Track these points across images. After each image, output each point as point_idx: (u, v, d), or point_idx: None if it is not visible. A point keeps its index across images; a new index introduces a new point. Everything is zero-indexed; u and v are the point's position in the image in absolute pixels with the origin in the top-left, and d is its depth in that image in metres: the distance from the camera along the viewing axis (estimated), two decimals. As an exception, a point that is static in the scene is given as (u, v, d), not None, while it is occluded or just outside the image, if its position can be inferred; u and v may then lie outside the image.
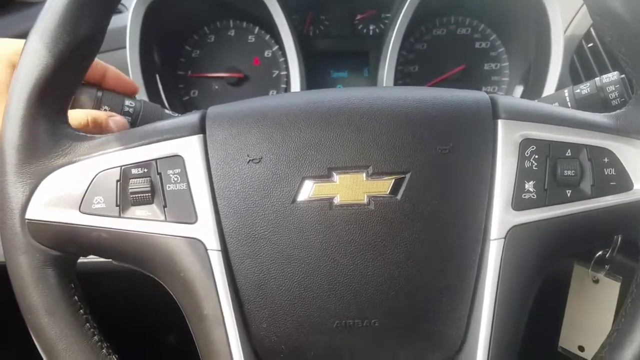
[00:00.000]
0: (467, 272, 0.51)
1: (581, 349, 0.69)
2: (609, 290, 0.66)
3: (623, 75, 0.65)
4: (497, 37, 0.98)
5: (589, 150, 0.51)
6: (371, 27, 1.02)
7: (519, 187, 0.50)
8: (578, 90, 0.66)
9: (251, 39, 1.00)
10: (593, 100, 0.65)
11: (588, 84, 0.66)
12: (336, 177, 0.50)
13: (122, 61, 0.89)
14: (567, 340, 0.70)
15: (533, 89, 0.90)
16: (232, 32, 1.01)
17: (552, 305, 0.71)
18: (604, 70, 0.84)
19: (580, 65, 0.90)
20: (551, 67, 0.85)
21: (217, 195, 0.51)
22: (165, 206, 0.51)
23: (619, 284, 0.65)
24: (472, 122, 0.51)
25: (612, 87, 0.64)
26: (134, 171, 0.51)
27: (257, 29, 1.00)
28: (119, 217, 0.51)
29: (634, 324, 0.51)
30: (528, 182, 0.50)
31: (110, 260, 0.56)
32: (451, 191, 0.50)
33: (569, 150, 0.51)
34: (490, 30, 0.99)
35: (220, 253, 0.50)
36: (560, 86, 0.85)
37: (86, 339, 0.52)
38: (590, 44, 0.90)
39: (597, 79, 0.66)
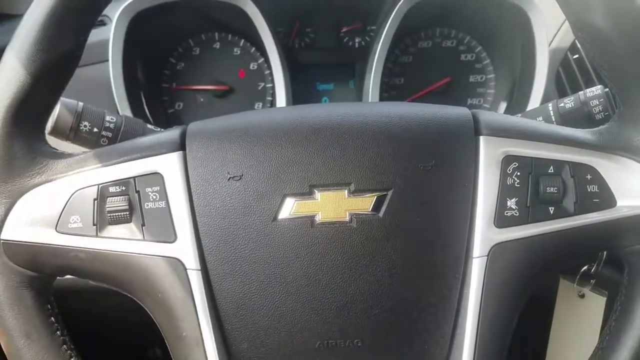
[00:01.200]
0: (450, 290, 0.50)
1: (568, 364, 0.69)
2: (595, 305, 0.65)
3: (607, 89, 0.65)
4: (482, 49, 0.98)
5: (572, 166, 0.51)
6: (357, 40, 1.01)
7: (501, 204, 0.50)
8: (562, 105, 0.66)
9: (236, 51, 1.00)
10: (577, 115, 0.65)
11: (572, 97, 0.66)
12: (318, 194, 0.49)
13: (104, 74, 0.88)
14: (554, 356, 0.70)
15: (518, 102, 0.90)
16: (217, 45, 1.00)
17: (539, 320, 0.70)
18: (589, 82, 0.84)
19: (566, 77, 0.90)
20: (536, 80, 0.85)
21: (196, 214, 0.50)
22: (143, 225, 0.50)
23: (605, 298, 0.65)
24: (454, 138, 0.51)
25: (595, 102, 0.64)
26: (111, 189, 0.50)
27: (242, 41, 0.99)
28: (96, 236, 0.50)
29: (618, 343, 0.50)
30: (510, 199, 0.50)
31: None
32: (433, 208, 0.50)
33: (551, 167, 0.51)
34: (475, 43, 0.98)
35: (199, 272, 0.50)
36: (546, 98, 0.85)
37: None
38: (576, 56, 0.90)
39: (580, 92, 0.66)
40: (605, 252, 0.64)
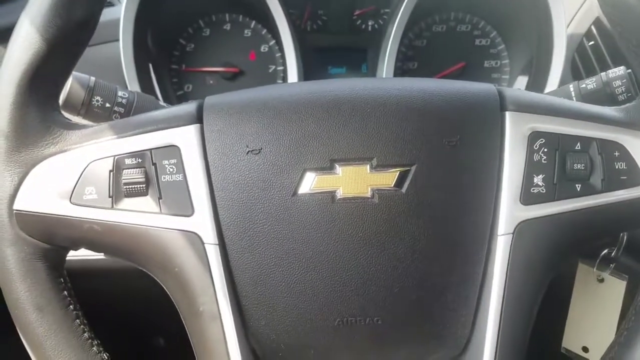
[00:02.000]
0: (474, 268, 0.49)
1: (585, 349, 0.68)
2: (615, 289, 0.64)
3: (629, 70, 0.64)
4: (497, 34, 0.97)
5: (599, 143, 0.49)
6: (370, 23, 1.00)
7: (527, 181, 0.49)
8: (584, 85, 0.65)
9: (247, 33, 0.98)
10: (599, 96, 0.64)
11: (594, 79, 0.65)
12: (339, 169, 0.48)
13: (115, 54, 0.87)
14: (571, 341, 0.69)
15: (535, 87, 0.89)
16: (227, 26, 0.99)
17: (555, 305, 0.69)
18: (605, 69, 0.82)
19: (582, 64, 0.89)
20: (553, 65, 0.84)
21: (214, 187, 0.49)
22: (160, 198, 0.49)
23: (625, 282, 0.64)
24: (480, 114, 0.50)
25: (618, 82, 0.63)
26: (127, 161, 0.49)
27: (253, 23, 0.98)
28: (112, 208, 0.49)
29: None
30: (537, 176, 0.49)
31: (101, 254, 0.54)
32: (458, 185, 0.49)
33: (578, 144, 0.49)
34: (490, 27, 0.97)
35: (217, 247, 0.49)
36: (562, 84, 0.83)
37: (76, 336, 0.50)
38: (592, 42, 0.89)
39: (602, 74, 0.65)
40: (625, 236, 0.63)
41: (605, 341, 0.65)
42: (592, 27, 0.90)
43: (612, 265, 0.64)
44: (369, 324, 0.50)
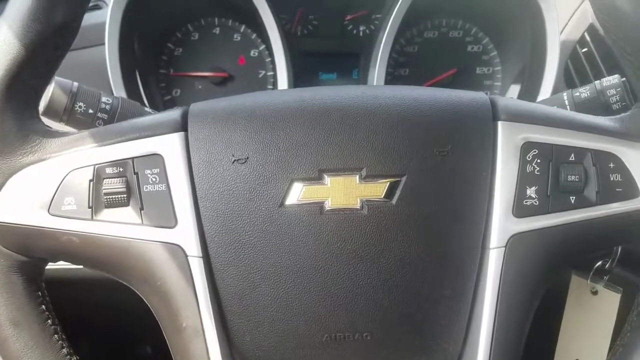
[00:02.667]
0: (465, 282, 0.48)
1: (578, 363, 0.67)
2: (608, 301, 0.63)
3: (624, 79, 0.63)
4: (489, 40, 0.96)
5: (594, 154, 0.48)
6: (361, 28, 0.99)
7: (520, 193, 0.48)
8: (577, 94, 0.64)
9: (237, 37, 0.97)
10: (593, 104, 0.63)
11: (588, 87, 0.64)
12: (327, 179, 0.47)
13: (100, 58, 0.86)
14: (563, 354, 0.68)
15: (527, 94, 0.88)
16: (217, 30, 0.97)
17: (547, 317, 0.68)
18: (599, 76, 0.82)
19: (575, 71, 0.88)
20: (546, 72, 0.83)
21: (198, 198, 0.48)
22: (142, 209, 0.47)
23: (619, 295, 0.63)
24: (471, 124, 0.49)
25: (612, 91, 0.62)
26: (108, 170, 0.48)
27: (243, 27, 0.97)
28: (92, 219, 0.48)
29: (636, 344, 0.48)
30: (530, 187, 0.48)
31: (82, 266, 0.53)
32: (449, 196, 0.47)
33: (572, 155, 0.48)
34: (482, 34, 0.96)
35: (201, 260, 0.47)
36: (556, 91, 0.82)
37: (54, 352, 0.49)
38: (585, 49, 0.88)
39: (597, 82, 0.64)
40: (620, 248, 0.62)
41: (598, 354, 0.64)
42: (586, 34, 0.89)
43: (606, 277, 0.64)
44: (357, 340, 0.48)
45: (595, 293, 0.64)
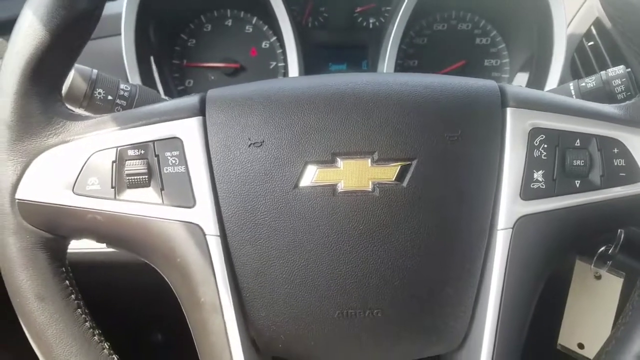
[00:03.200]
0: (473, 263, 0.50)
1: (580, 346, 0.68)
2: (611, 286, 0.65)
3: (629, 69, 0.64)
4: (497, 33, 0.97)
5: (599, 140, 0.50)
6: (371, 20, 1.00)
7: (527, 177, 0.49)
8: (583, 84, 0.65)
9: (248, 29, 0.99)
10: (598, 94, 0.64)
11: (593, 77, 0.65)
12: (340, 162, 0.49)
13: (116, 48, 0.87)
14: (567, 338, 0.69)
15: (534, 86, 0.89)
16: (229, 22, 0.99)
17: (551, 302, 0.70)
18: (605, 69, 0.83)
19: (581, 64, 0.89)
20: (553, 64, 0.84)
21: (216, 179, 0.49)
22: (162, 189, 0.49)
23: (622, 279, 0.64)
24: (481, 110, 0.50)
25: (618, 81, 0.63)
26: (130, 152, 0.50)
27: (255, 19, 0.98)
28: (114, 199, 0.50)
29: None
30: (537, 171, 0.49)
31: (103, 246, 0.54)
32: (458, 179, 0.49)
33: (578, 140, 0.50)
34: (491, 27, 0.98)
35: (218, 238, 0.49)
36: (561, 83, 0.83)
37: (77, 325, 0.51)
38: (591, 43, 0.89)
39: (602, 72, 0.65)
40: (623, 233, 0.63)
41: (601, 338, 0.65)
42: (592, 28, 0.90)
43: (609, 262, 0.65)
44: (368, 317, 0.50)
45: (598, 278, 0.66)
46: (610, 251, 0.63)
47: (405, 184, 0.48)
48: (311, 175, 0.49)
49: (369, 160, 0.49)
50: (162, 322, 1.18)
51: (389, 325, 0.51)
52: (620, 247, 0.64)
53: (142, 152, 0.50)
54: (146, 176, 0.49)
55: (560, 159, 0.49)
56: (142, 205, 0.49)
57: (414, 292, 0.50)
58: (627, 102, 0.53)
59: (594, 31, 0.90)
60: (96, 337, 0.51)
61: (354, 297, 0.50)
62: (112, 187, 0.49)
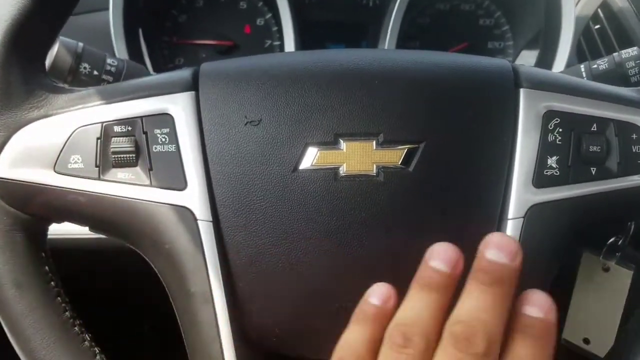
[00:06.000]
0: None
1: (586, 341, 0.66)
2: (620, 279, 0.62)
3: None
4: (502, 14, 0.95)
5: (617, 125, 0.47)
6: (372, -2, 0.97)
7: (541, 163, 0.46)
8: (595, 66, 0.63)
9: (243, 5, 0.95)
10: (611, 77, 0.62)
11: (606, 59, 0.62)
12: (343, 144, 0.45)
13: (104, 23, 0.84)
14: (571, 332, 0.67)
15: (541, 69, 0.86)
16: (222, -2, 0.95)
17: (556, 295, 0.67)
18: (612, 53, 0.81)
19: (588, 48, 0.87)
20: (560, 47, 0.81)
21: (209, 160, 0.46)
22: (150, 169, 0.46)
23: (632, 272, 0.62)
24: (493, 90, 0.47)
25: (632, 63, 0.61)
26: (116, 129, 0.46)
27: (249, -6, 0.95)
28: (99, 179, 0.46)
29: None
30: (551, 157, 0.46)
31: (85, 230, 0.51)
32: (468, 164, 0.46)
33: (595, 125, 0.47)
34: (495, 7, 0.95)
35: (210, 224, 0.46)
36: (568, 67, 0.81)
37: (56, 315, 0.47)
38: (598, 26, 0.87)
39: (615, 54, 0.62)
40: (633, 226, 0.61)
41: (608, 333, 0.63)
42: (599, 10, 0.88)
43: (618, 255, 0.62)
44: None
45: (606, 270, 0.63)
46: (620, 242, 0.61)
47: (411, 168, 0.45)
48: (311, 158, 0.46)
49: (374, 143, 0.45)
50: (149, 311, 1.15)
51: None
52: (631, 239, 0.62)
53: (130, 128, 0.46)
54: (133, 155, 0.46)
55: (576, 144, 0.47)
56: (129, 186, 0.46)
57: None
58: None
59: (601, 14, 0.87)
60: (77, 328, 0.48)
61: (355, 289, 0.46)
62: (96, 166, 0.46)
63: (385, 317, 0.41)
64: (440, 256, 0.39)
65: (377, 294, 0.41)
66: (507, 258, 0.38)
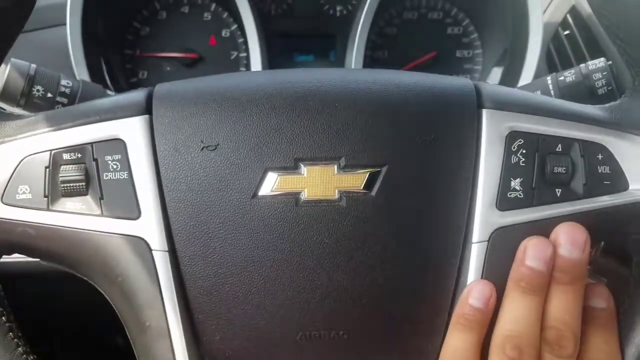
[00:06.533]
0: (446, 278, 0.46)
1: None
2: (592, 292, 0.62)
3: (610, 62, 0.61)
4: (470, 22, 0.94)
5: (582, 145, 0.46)
6: (338, 8, 0.95)
7: (504, 185, 0.45)
8: (562, 78, 0.62)
9: (207, 16, 0.93)
10: (578, 88, 0.61)
11: (573, 70, 0.61)
12: (304, 169, 0.44)
13: (60, 39, 0.81)
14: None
15: (509, 77, 0.86)
16: (185, 9, 0.93)
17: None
18: (581, 59, 0.81)
19: (557, 54, 0.86)
20: (528, 55, 0.81)
21: (164, 187, 0.44)
22: (101, 198, 0.44)
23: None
24: (455, 111, 0.46)
25: (598, 75, 0.60)
26: (65, 156, 0.44)
27: (213, 5, 0.92)
28: (48, 209, 0.44)
29: (627, 340, 0.46)
30: (514, 179, 0.45)
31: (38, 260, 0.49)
32: (431, 188, 0.45)
33: (559, 145, 0.46)
34: (462, 15, 0.94)
35: (166, 254, 0.44)
36: (537, 75, 0.81)
37: (8, 352, 0.45)
38: (567, 32, 0.86)
39: (582, 65, 0.62)
40: (602, 243, 0.60)
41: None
42: (568, 16, 0.87)
43: (589, 268, 0.62)
44: (334, 338, 0.46)
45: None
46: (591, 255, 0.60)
47: (374, 192, 0.44)
48: (271, 183, 0.44)
49: (335, 167, 0.44)
50: (119, 325, 1.12)
51: (356, 347, 0.46)
52: (602, 251, 0.61)
53: (79, 155, 0.44)
54: (83, 183, 0.44)
55: (540, 166, 0.46)
56: (79, 216, 0.44)
57: (383, 311, 0.46)
58: (612, 103, 0.49)
59: (570, 20, 0.87)
60: None
61: (318, 318, 0.45)
62: (45, 196, 0.44)
63: (487, 319, 0.42)
64: (537, 255, 0.41)
65: (478, 294, 0.42)
66: (579, 251, 0.40)
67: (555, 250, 0.41)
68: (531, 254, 0.41)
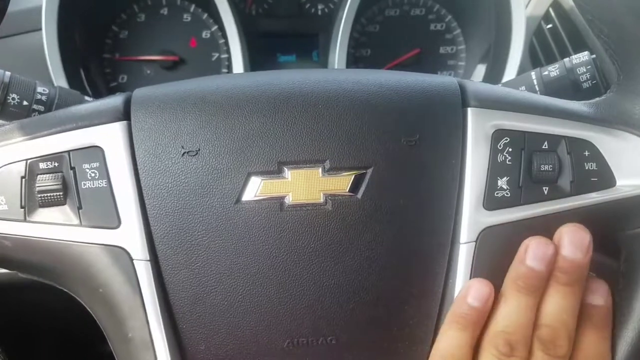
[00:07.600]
0: (434, 280, 0.45)
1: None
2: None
3: (594, 56, 0.60)
4: (452, 18, 0.94)
5: (568, 142, 0.46)
6: (320, 7, 0.94)
7: (491, 184, 0.45)
8: (546, 73, 0.61)
9: (187, 17, 0.92)
10: (563, 83, 0.60)
11: (557, 65, 0.61)
12: (288, 172, 0.43)
13: (37, 45, 0.79)
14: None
15: (493, 73, 0.86)
16: (164, 10, 0.91)
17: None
18: (564, 53, 0.80)
19: (540, 48, 0.86)
20: (512, 50, 0.80)
21: (144, 194, 0.43)
22: (80, 208, 0.43)
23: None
24: (440, 110, 0.45)
25: (583, 69, 0.59)
26: (42, 165, 0.43)
27: (193, 6, 0.91)
28: (24, 221, 0.43)
29: (617, 336, 0.46)
30: (501, 178, 0.45)
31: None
32: (417, 189, 0.44)
33: (546, 143, 0.46)
34: (445, 11, 0.94)
35: (148, 263, 0.43)
36: (521, 70, 0.81)
37: None
38: (550, 25, 0.86)
39: (566, 59, 0.61)
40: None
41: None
42: (550, 10, 0.87)
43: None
44: (322, 344, 0.45)
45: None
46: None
47: (359, 195, 0.43)
48: (255, 188, 0.43)
49: (320, 170, 0.43)
50: (103, 334, 1.11)
51: (345, 352, 0.46)
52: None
53: (56, 164, 0.43)
54: (61, 193, 0.43)
55: (527, 164, 0.45)
56: (57, 227, 0.43)
57: (371, 315, 0.45)
58: (597, 98, 0.49)
59: (552, 13, 0.87)
60: None
61: (305, 324, 0.44)
62: (21, 207, 0.43)
63: (484, 318, 0.42)
64: (537, 255, 0.41)
65: (477, 293, 0.42)
66: (582, 253, 0.40)
67: (557, 250, 0.41)
68: (532, 253, 0.41)
